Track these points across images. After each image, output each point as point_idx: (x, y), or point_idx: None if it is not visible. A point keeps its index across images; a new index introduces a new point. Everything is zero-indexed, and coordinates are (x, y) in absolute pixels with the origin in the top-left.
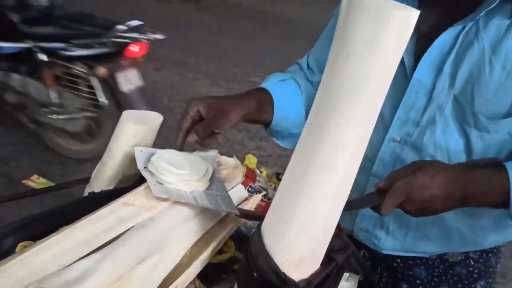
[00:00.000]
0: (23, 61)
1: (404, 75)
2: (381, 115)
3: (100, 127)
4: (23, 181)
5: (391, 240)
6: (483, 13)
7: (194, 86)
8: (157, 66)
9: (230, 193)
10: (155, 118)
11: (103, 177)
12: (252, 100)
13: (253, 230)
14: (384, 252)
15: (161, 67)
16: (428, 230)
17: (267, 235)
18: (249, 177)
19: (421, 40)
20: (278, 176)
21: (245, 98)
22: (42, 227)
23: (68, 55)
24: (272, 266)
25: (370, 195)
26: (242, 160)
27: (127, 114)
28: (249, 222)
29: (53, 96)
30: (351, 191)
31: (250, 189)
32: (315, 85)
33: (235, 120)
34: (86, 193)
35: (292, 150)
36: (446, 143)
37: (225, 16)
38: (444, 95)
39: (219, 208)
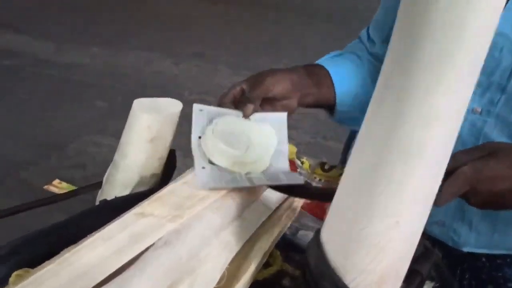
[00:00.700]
0: None
1: None
2: None
3: None
4: (45, 187)
5: (475, 235)
6: None
7: (215, 77)
8: (176, 60)
9: None
10: (173, 106)
11: (115, 180)
12: (300, 70)
13: (300, 233)
14: (466, 250)
15: (179, 60)
16: None
17: (331, 248)
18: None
19: None
20: (324, 167)
21: (291, 68)
22: (42, 248)
23: None
24: None
25: None
26: None
27: (138, 103)
28: (295, 223)
29: None
30: None
31: None
32: (377, 58)
33: (279, 87)
34: (97, 201)
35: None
36: None
37: (242, 6)
38: None
39: (280, 182)
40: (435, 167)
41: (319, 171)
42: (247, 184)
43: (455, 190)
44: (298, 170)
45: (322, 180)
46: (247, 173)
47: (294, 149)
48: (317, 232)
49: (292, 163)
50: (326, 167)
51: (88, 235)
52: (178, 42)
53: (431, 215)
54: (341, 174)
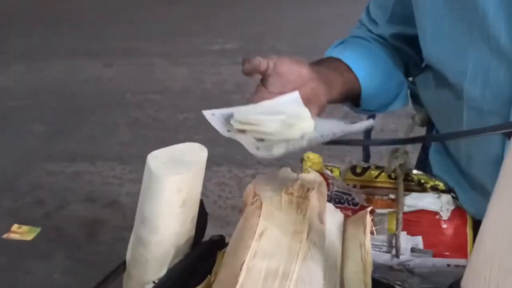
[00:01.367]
0: None
1: None
2: None
3: None
4: (4, 236)
5: None
6: None
7: (154, 73)
8: (106, 61)
9: None
10: (197, 152)
11: (148, 261)
12: (316, 64)
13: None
14: None
15: (110, 62)
16: None
17: None
18: None
19: None
20: (355, 170)
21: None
22: None
23: None
24: None
25: None
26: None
27: (155, 160)
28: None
29: None
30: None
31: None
32: (384, 39)
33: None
34: None
35: None
36: None
37: None
38: None
39: (344, 131)
40: None
41: (351, 175)
42: (309, 144)
43: None
44: (330, 181)
45: (357, 186)
46: (302, 136)
47: (319, 158)
48: (456, 284)
49: (321, 175)
50: (358, 170)
51: None
52: (103, 41)
53: None
54: (377, 177)
